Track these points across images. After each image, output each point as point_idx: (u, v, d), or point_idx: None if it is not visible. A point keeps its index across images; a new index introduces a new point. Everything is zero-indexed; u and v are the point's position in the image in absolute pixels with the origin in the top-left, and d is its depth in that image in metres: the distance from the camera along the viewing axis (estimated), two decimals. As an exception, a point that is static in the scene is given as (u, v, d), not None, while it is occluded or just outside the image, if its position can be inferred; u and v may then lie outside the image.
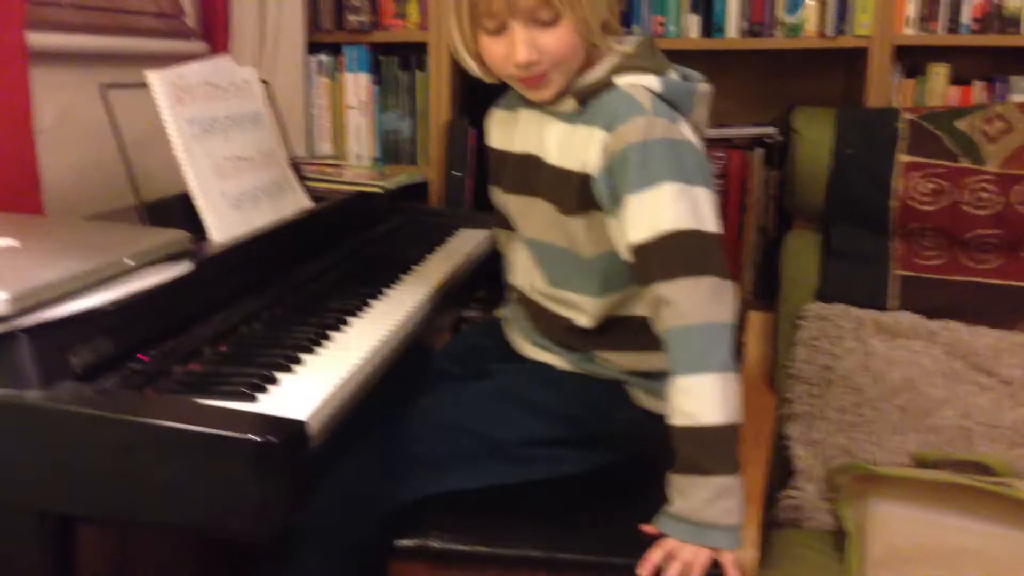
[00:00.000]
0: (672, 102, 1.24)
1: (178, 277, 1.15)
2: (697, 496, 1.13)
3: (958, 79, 2.11)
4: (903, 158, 1.85)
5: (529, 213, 1.36)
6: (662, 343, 1.19)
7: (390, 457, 1.31)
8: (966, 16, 2.05)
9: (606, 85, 1.24)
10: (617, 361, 1.36)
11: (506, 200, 1.43)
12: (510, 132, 1.40)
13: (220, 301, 1.27)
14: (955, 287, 1.86)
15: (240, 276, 1.35)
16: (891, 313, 1.85)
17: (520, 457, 1.34)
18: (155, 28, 1.89)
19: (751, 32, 2.10)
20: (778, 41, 2.09)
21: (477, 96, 2.29)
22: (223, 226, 1.39)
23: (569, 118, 1.27)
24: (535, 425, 1.34)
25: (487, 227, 2.02)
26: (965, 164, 1.82)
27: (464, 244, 1.89)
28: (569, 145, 1.26)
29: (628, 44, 1.29)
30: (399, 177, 1.98)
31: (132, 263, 1.07)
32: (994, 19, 2.04)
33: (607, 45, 1.26)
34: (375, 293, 1.47)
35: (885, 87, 2.06)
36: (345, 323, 1.32)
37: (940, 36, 2.06)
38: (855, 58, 2.13)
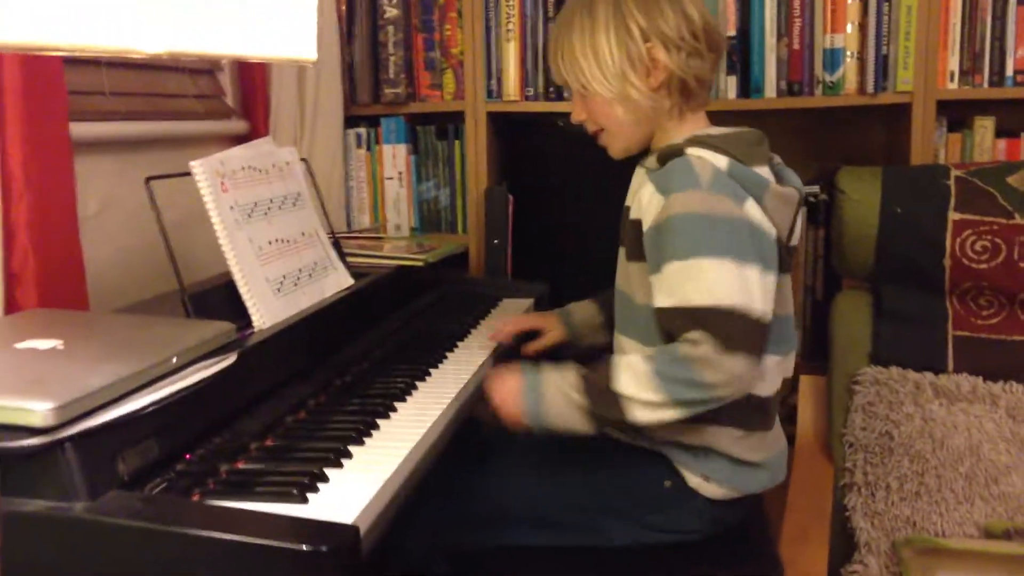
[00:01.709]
0: (741, 184, 1.26)
1: (223, 370, 1.14)
2: (561, 387, 1.27)
3: (1005, 131, 2.07)
4: (954, 216, 1.81)
5: (620, 263, 1.43)
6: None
7: (453, 510, 1.44)
8: (1010, 68, 2.01)
9: (679, 152, 1.29)
10: (657, 432, 1.33)
11: None
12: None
13: (265, 391, 1.26)
14: (1015, 347, 1.80)
15: (284, 364, 1.33)
16: (949, 376, 1.79)
17: (561, 523, 1.40)
18: (195, 111, 1.90)
19: (790, 91, 2.08)
20: (818, 99, 2.07)
21: (516, 163, 2.29)
22: (267, 313, 1.37)
23: (651, 173, 1.32)
24: (578, 491, 1.39)
25: (530, 296, 2.01)
26: (1019, 220, 1.77)
27: (512, 315, 1.86)
28: (641, 195, 1.32)
29: (728, 130, 1.35)
30: (440, 249, 1.97)
31: (177, 362, 1.06)
32: (1040, 70, 2.01)
33: (661, 120, 1.36)
34: (421, 374, 1.45)
35: (930, 143, 2.02)
36: (393, 409, 1.30)
37: (984, 90, 2.02)
38: (897, 113, 2.10)
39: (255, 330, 1.35)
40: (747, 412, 1.34)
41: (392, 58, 2.18)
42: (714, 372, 1.18)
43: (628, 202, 1.39)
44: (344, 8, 2.19)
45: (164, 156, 1.44)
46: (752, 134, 1.36)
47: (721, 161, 1.27)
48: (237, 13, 0.68)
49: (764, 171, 1.32)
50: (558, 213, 2.11)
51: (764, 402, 1.36)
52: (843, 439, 1.79)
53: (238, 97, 2.07)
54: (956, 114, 2.09)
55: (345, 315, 1.57)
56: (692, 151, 1.29)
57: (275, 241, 1.48)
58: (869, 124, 2.22)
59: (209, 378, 1.10)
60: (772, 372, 1.36)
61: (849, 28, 2.03)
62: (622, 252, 1.40)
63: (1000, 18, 2.00)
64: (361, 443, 1.18)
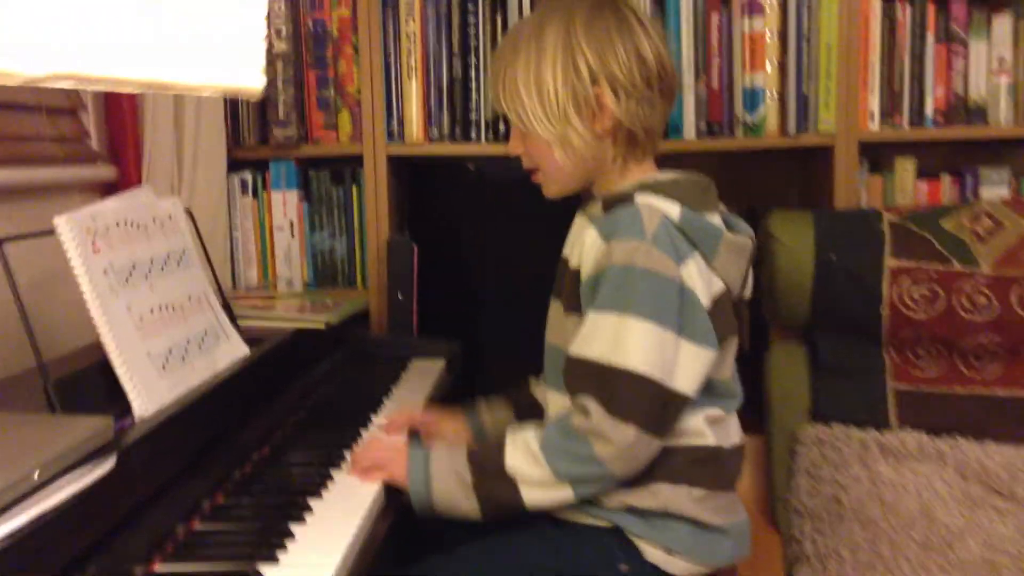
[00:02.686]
0: (690, 238, 1.17)
1: (99, 479, 0.91)
2: (451, 463, 1.18)
3: (925, 172, 2.02)
4: (891, 262, 1.72)
5: (549, 317, 1.33)
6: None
7: None
8: (929, 108, 1.96)
9: (626, 199, 1.19)
10: (607, 497, 1.20)
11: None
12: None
13: (151, 495, 1.03)
14: (957, 401, 1.72)
15: (172, 458, 1.11)
16: (894, 433, 1.70)
17: None
18: (55, 155, 1.65)
19: (710, 132, 1.97)
20: (739, 141, 1.97)
21: (420, 210, 2.11)
22: (150, 396, 1.15)
23: (595, 220, 1.22)
24: None
25: (441, 356, 1.82)
26: (957, 267, 1.70)
27: (422, 381, 1.67)
28: (580, 244, 1.22)
29: (676, 175, 1.25)
30: (342, 307, 1.76)
31: (40, 477, 0.83)
32: (959, 111, 1.96)
33: (603, 168, 1.26)
34: (335, 459, 1.24)
35: (853, 185, 1.94)
36: (307, 508, 1.09)
37: (905, 131, 1.96)
38: (816, 154, 2.02)
39: (135, 419, 1.12)
40: (697, 467, 1.22)
41: (281, 96, 1.98)
42: (603, 444, 1.12)
43: (566, 252, 1.29)
44: (226, 41, 1.98)
45: (16, 208, 1.20)
46: (701, 180, 1.26)
47: (673, 209, 1.18)
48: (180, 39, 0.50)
49: (716, 219, 1.23)
50: (469, 264, 1.94)
51: (716, 455, 1.24)
52: (788, 505, 1.67)
53: (104, 139, 1.82)
54: (876, 156, 2.02)
55: (241, 391, 1.36)
56: (642, 199, 1.19)
57: (158, 309, 1.25)
58: (784, 165, 2.13)
59: (82, 493, 0.87)
60: (718, 425, 1.24)
61: (769, 67, 1.94)
62: (557, 305, 1.29)
63: (919, 57, 1.94)
64: (274, 560, 0.96)
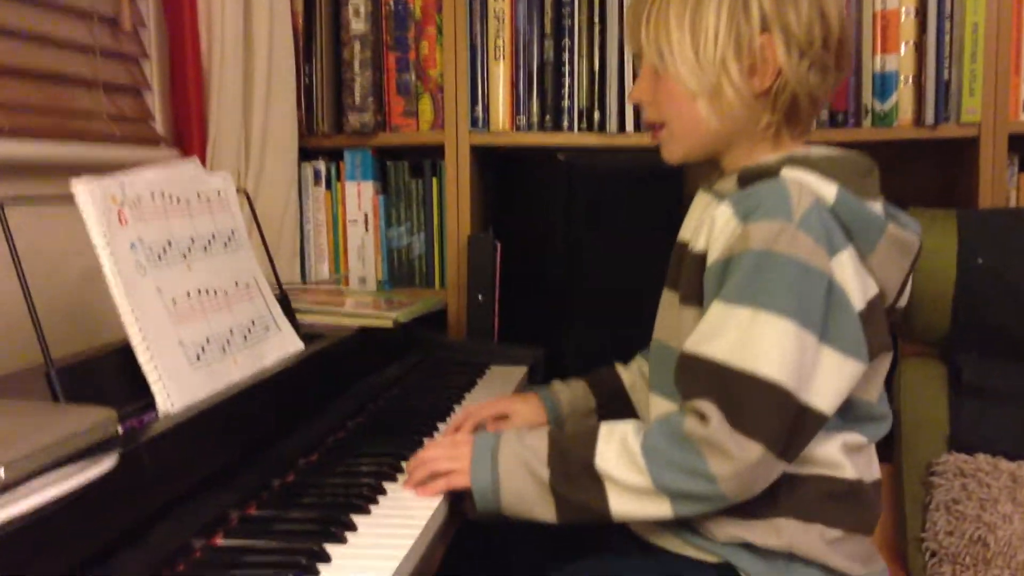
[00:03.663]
0: (846, 226, 0.96)
1: (95, 481, 0.75)
2: (522, 454, 1.00)
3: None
4: (1051, 269, 1.47)
5: (660, 309, 1.14)
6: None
7: None
8: (1093, 96, 1.70)
9: (771, 173, 1.00)
10: (718, 529, 1.00)
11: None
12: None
13: (170, 503, 0.87)
14: None
15: (201, 462, 0.95)
16: (1051, 467, 1.44)
17: None
18: (112, 134, 1.53)
19: (832, 121, 1.75)
20: (867, 132, 1.74)
21: (505, 205, 1.94)
22: (177, 390, 0.99)
23: (729, 197, 1.02)
24: None
25: (523, 363, 1.64)
26: None
27: (500, 388, 1.49)
28: (707, 224, 1.02)
29: (833, 151, 1.06)
30: (413, 306, 1.60)
31: (6, 475, 0.67)
32: None
33: (748, 135, 1.05)
34: (389, 472, 1.07)
35: (1002, 183, 1.69)
36: (350, 528, 0.91)
37: (1062, 121, 1.70)
38: (958, 149, 1.77)
39: (158, 415, 0.97)
40: (833, 503, 1.01)
41: (358, 80, 1.83)
42: (721, 460, 0.92)
43: (685, 235, 1.11)
44: (301, 20, 1.84)
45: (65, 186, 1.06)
46: (863, 160, 1.05)
47: (828, 190, 0.97)
48: None
49: (878, 207, 1.02)
50: (555, 265, 1.75)
51: (855, 490, 1.02)
52: (923, 546, 1.43)
53: (168, 121, 1.70)
54: (1026, 152, 1.77)
55: (291, 392, 1.20)
56: (790, 174, 0.98)
57: (196, 293, 1.10)
58: (919, 160, 1.88)
59: (74, 492, 0.72)
60: (858, 455, 1.03)
61: (903, 48, 1.71)
62: (671, 296, 1.10)
63: (1079, 37, 1.69)
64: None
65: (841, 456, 1.00)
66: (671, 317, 1.09)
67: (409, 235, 1.90)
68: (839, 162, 1.02)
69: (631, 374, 1.28)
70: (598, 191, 1.66)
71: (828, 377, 0.95)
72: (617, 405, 1.25)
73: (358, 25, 1.82)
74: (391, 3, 1.84)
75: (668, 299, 1.12)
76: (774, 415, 0.92)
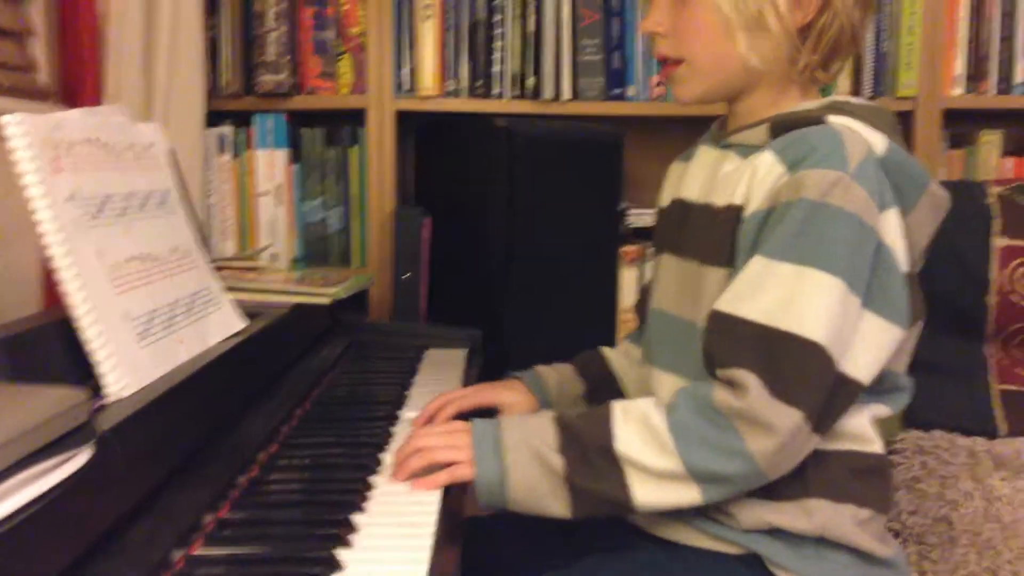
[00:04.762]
0: (894, 180, 0.90)
1: (71, 476, 0.60)
2: (530, 441, 0.88)
3: (1010, 149, 1.78)
4: (999, 242, 1.47)
5: (660, 278, 1.05)
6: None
7: None
8: (1019, 75, 1.72)
9: (814, 121, 0.90)
10: (742, 514, 0.91)
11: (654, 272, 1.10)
12: (676, 186, 1.08)
13: (138, 505, 0.72)
14: (1073, 403, 1.47)
15: (163, 455, 0.80)
16: (1006, 442, 1.43)
17: None
18: (-7, 82, 1.32)
19: (769, 95, 1.71)
20: (805, 105, 1.70)
21: (434, 177, 1.81)
22: (128, 370, 0.83)
23: (770, 147, 0.92)
24: None
25: (461, 345, 1.52)
26: (1077, 248, 1.45)
27: (446, 372, 1.37)
28: (726, 176, 0.95)
29: (868, 102, 1.00)
30: (349, 282, 1.45)
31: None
32: (1052, 78, 1.73)
33: (777, 79, 0.97)
34: (370, 464, 0.93)
35: (936, 156, 1.69)
36: (351, 529, 0.78)
37: (991, 98, 1.72)
38: (892, 125, 1.77)
39: (104, 399, 0.81)
40: (861, 480, 0.94)
41: (272, 35, 1.66)
42: (759, 435, 0.83)
43: (688, 195, 1.03)
44: (207, -34, 1.66)
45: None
46: (894, 116, 0.98)
47: (878, 141, 0.90)
48: None
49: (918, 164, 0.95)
50: (492, 241, 1.63)
51: (881, 465, 0.97)
52: (888, 526, 1.39)
53: (56, 75, 1.49)
54: (956, 127, 1.78)
55: (238, 374, 1.05)
56: (837, 120, 0.90)
57: (137, 259, 0.94)
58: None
59: (52, 492, 0.56)
60: (882, 428, 0.97)
61: (842, 20, 1.68)
62: (675, 262, 1.02)
63: (1009, 14, 1.71)
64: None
65: (871, 430, 0.94)
66: (676, 284, 1.01)
67: (326, 209, 1.75)
68: (880, 113, 0.95)
69: (619, 356, 1.19)
70: (540, 160, 1.56)
71: (869, 345, 0.88)
72: (607, 390, 1.15)
73: (272, -27, 1.66)
74: (307, -48, 1.69)
75: (671, 265, 1.03)
76: (817, 381, 0.84)
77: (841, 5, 0.93)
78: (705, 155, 1.04)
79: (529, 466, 0.88)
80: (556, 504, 0.88)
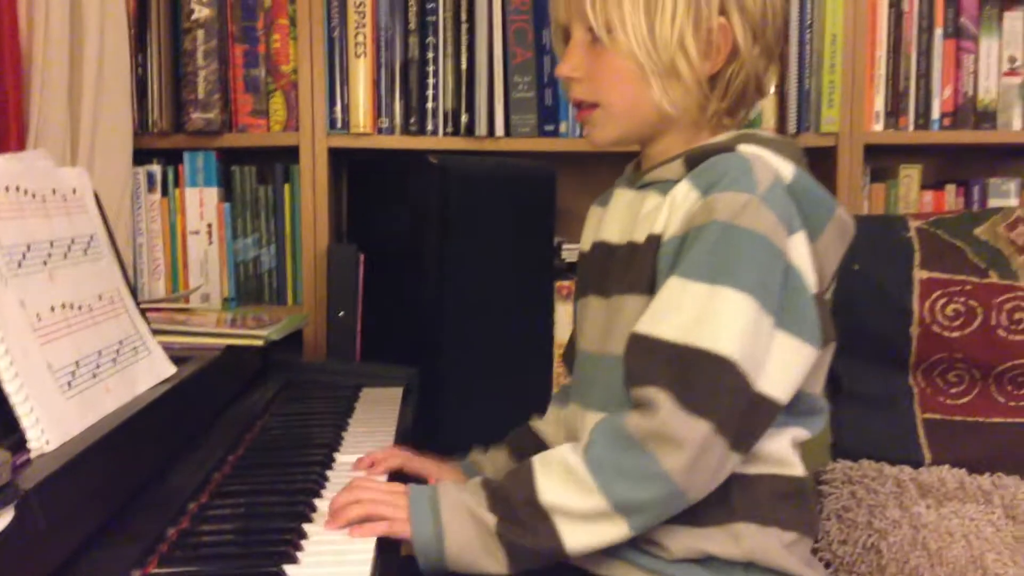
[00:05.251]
0: (802, 207, 0.93)
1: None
2: (465, 501, 0.89)
3: (928, 182, 1.84)
4: (920, 274, 1.51)
5: (586, 320, 1.06)
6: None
7: None
8: (936, 110, 1.78)
9: (726, 150, 0.94)
10: (672, 543, 0.92)
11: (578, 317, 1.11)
12: (595, 229, 1.09)
13: (63, 564, 0.70)
14: (993, 430, 1.51)
15: (89, 511, 0.78)
16: (931, 470, 1.47)
17: None
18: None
19: (698, 130, 1.74)
20: (733, 141, 1.74)
21: (368, 214, 1.80)
22: (52, 423, 0.82)
23: (688, 178, 0.95)
24: None
25: (397, 384, 1.52)
26: (994, 279, 1.50)
27: (382, 412, 1.36)
28: (648, 214, 0.97)
29: (773, 135, 1.03)
30: (282, 323, 1.44)
31: None
32: (968, 114, 1.79)
33: (691, 123, 1.00)
34: (303, 510, 0.92)
35: (858, 191, 1.74)
36: (283, 581, 0.77)
37: (911, 134, 1.78)
38: (818, 159, 1.81)
39: (31, 454, 0.79)
40: (784, 504, 0.96)
41: (202, 73, 1.65)
42: (671, 451, 0.85)
43: (609, 237, 1.05)
44: (134, 3, 1.64)
45: None
46: (799, 148, 1.01)
47: (786, 169, 0.94)
48: None
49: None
50: (426, 277, 1.63)
51: (803, 489, 0.99)
52: (817, 556, 1.42)
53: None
54: (877, 162, 1.83)
55: (168, 422, 1.03)
56: (747, 148, 0.94)
57: (60, 308, 0.92)
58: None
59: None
60: (802, 453, 1.01)
61: (766, 58, 1.73)
62: (599, 302, 1.03)
63: (926, 53, 1.77)
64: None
65: (791, 453, 0.97)
66: (601, 324, 1.02)
67: (258, 247, 1.73)
68: (787, 144, 0.99)
69: (551, 427, 1.19)
70: (474, 196, 1.57)
71: (783, 364, 0.90)
72: None
73: (202, 10, 1.65)
74: (237, -11, 1.68)
75: (595, 306, 1.04)
76: (727, 393, 0.86)
77: (747, 55, 0.96)
78: (622, 197, 1.06)
79: (464, 524, 0.89)
80: (491, 561, 0.88)
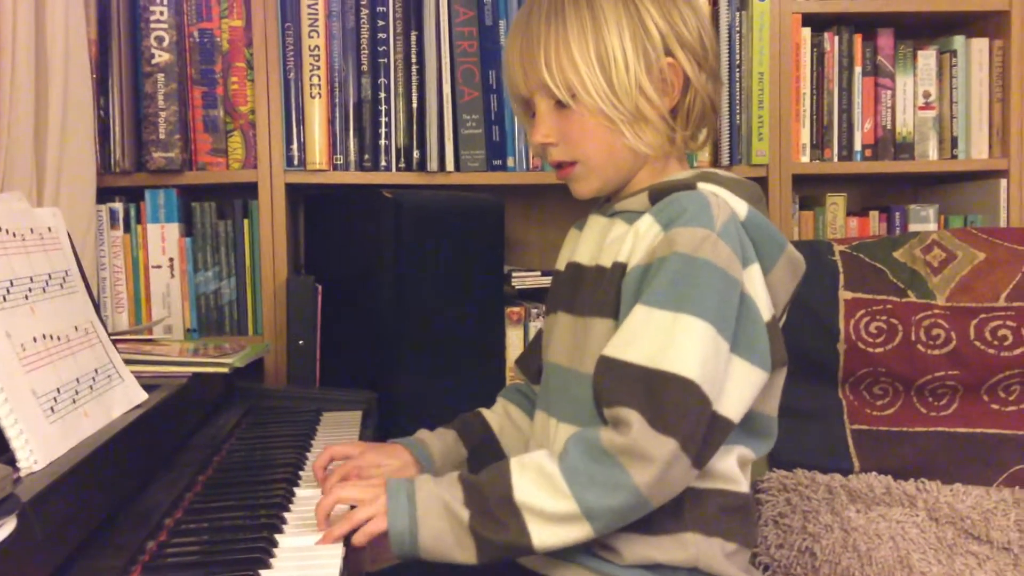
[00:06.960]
0: (754, 241, 1.01)
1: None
2: (440, 495, 0.96)
3: (853, 210, 1.96)
4: (845, 295, 1.62)
5: (554, 333, 1.13)
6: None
7: None
8: (858, 142, 1.90)
9: (687, 187, 1.02)
10: (625, 549, 1.00)
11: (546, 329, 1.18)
12: (571, 250, 1.17)
13: (56, 571, 0.76)
14: (916, 440, 1.62)
15: (75, 526, 0.84)
16: (860, 477, 1.58)
17: None
18: None
19: (638, 164, 1.84)
20: (670, 173, 1.84)
21: (325, 247, 1.88)
22: (39, 445, 0.88)
23: (650, 212, 1.03)
24: None
25: (355, 407, 1.58)
26: (912, 298, 1.61)
27: (343, 434, 1.43)
28: (613, 241, 1.05)
29: (733, 174, 1.09)
30: (245, 351, 1.50)
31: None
32: (887, 145, 1.91)
33: (662, 156, 1.08)
34: (274, 523, 0.99)
35: (788, 218, 1.85)
36: (258, 585, 0.84)
37: (836, 164, 1.90)
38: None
39: (20, 473, 0.85)
40: (728, 517, 1.03)
41: (162, 115, 1.72)
42: (642, 467, 0.91)
43: (581, 259, 1.12)
44: (96, 50, 1.71)
45: None
46: (756, 187, 1.09)
47: (740, 207, 1.01)
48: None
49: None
50: (382, 306, 1.71)
51: (746, 504, 1.07)
52: (756, 560, 1.51)
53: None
54: (805, 191, 1.95)
55: (142, 445, 1.09)
56: (705, 187, 1.02)
57: (42, 338, 0.98)
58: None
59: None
60: (747, 470, 1.08)
61: (700, 95, 1.84)
62: (567, 319, 1.10)
63: (847, 89, 1.89)
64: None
65: (736, 470, 1.04)
66: (569, 340, 1.09)
67: (218, 280, 1.79)
68: (743, 184, 1.06)
69: (499, 417, 1.26)
70: (426, 228, 1.65)
71: (736, 386, 0.97)
72: (488, 452, 1.22)
73: (162, 55, 1.72)
74: (195, 34, 1.75)
75: (564, 322, 1.11)
76: (692, 414, 0.92)
77: (698, 83, 1.05)
78: (595, 223, 1.13)
79: (438, 518, 0.95)
80: (462, 552, 0.95)
